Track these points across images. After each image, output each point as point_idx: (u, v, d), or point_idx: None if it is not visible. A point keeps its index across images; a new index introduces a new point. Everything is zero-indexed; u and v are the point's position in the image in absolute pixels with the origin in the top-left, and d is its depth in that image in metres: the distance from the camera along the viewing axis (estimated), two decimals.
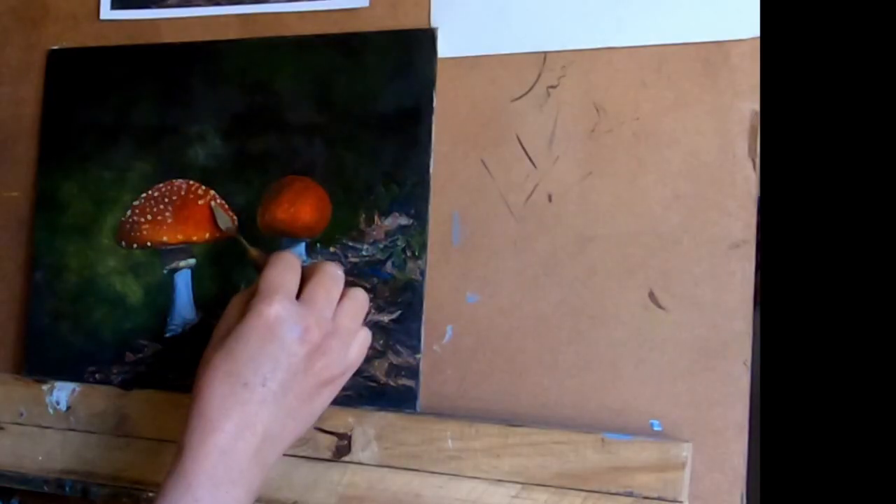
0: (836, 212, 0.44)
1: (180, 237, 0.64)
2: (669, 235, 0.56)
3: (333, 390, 0.55)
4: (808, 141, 0.45)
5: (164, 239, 0.64)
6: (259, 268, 0.57)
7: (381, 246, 0.60)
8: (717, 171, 0.55)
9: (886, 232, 0.42)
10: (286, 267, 0.55)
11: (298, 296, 0.54)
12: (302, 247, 0.62)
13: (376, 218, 0.60)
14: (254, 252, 0.60)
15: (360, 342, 0.56)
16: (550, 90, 0.58)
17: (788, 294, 0.44)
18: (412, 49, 0.60)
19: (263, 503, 0.59)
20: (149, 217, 0.65)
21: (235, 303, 0.56)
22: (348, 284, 0.56)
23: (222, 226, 0.62)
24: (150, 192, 0.65)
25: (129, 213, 0.65)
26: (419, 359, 0.59)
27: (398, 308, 0.59)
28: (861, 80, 0.44)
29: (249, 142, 0.63)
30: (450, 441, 0.56)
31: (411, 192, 0.60)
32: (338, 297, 0.55)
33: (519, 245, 0.58)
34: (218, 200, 0.64)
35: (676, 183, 0.56)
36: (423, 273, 0.59)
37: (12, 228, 0.70)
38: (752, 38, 0.55)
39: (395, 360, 0.59)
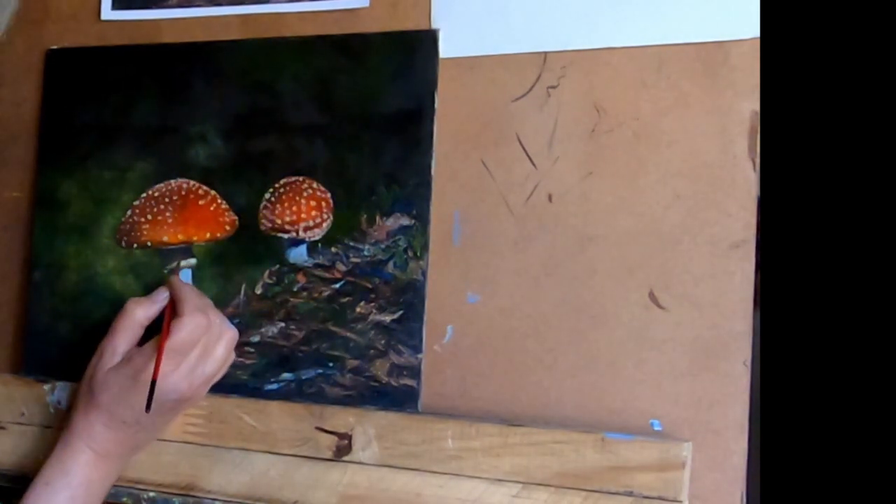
0: (835, 212, 0.44)
1: (181, 237, 0.64)
2: (669, 235, 0.56)
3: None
4: (808, 141, 0.45)
5: (165, 239, 0.64)
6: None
7: (382, 246, 0.60)
8: (717, 171, 0.55)
9: (886, 232, 0.43)
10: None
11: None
12: (303, 247, 0.62)
13: (378, 218, 0.60)
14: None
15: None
16: (550, 90, 0.58)
17: (788, 294, 0.44)
18: (413, 50, 0.60)
19: (264, 503, 0.59)
20: (149, 217, 0.65)
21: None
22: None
23: None
24: (150, 191, 0.65)
25: (129, 213, 0.65)
26: (420, 359, 0.59)
27: (399, 308, 0.59)
28: (861, 79, 0.44)
29: (250, 142, 0.63)
30: (450, 441, 0.56)
31: (413, 193, 0.60)
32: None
33: (519, 245, 0.58)
34: (219, 201, 0.64)
35: (676, 183, 0.56)
36: (424, 273, 0.59)
37: (12, 228, 0.70)
38: (752, 38, 0.55)
39: (396, 359, 0.59)
